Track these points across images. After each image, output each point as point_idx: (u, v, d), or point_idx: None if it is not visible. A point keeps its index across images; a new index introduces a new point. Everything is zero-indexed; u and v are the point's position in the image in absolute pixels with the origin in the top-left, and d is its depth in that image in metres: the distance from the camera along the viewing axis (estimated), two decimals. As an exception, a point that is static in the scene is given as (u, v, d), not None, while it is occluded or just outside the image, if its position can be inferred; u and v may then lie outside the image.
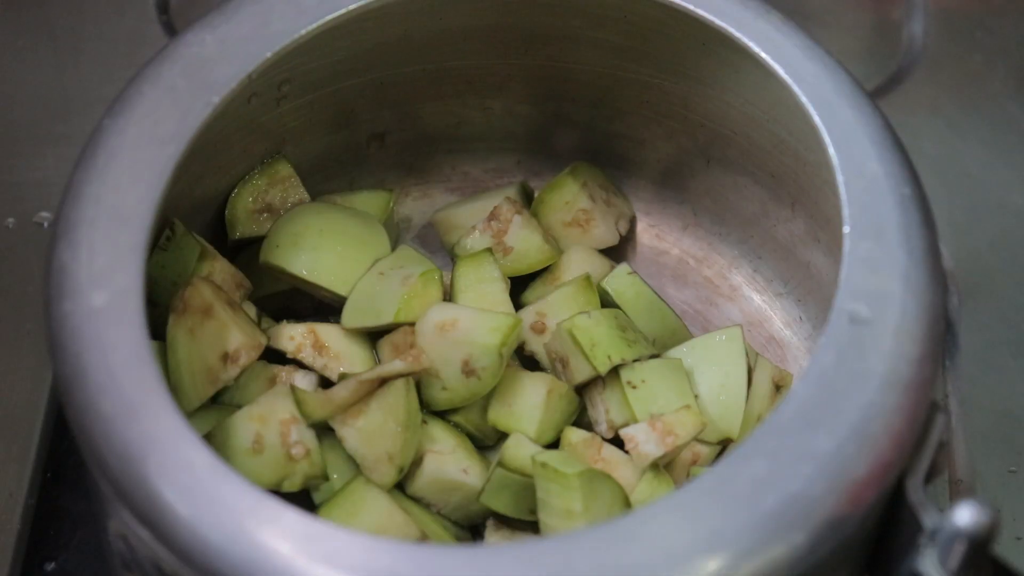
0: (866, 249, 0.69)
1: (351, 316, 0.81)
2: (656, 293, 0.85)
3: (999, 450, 0.86)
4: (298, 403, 0.76)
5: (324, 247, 0.82)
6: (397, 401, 0.76)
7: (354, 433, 0.76)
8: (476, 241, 0.86)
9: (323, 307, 0.85)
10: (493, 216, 0.86)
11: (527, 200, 0.89)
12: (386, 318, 0.81)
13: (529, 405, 0.79)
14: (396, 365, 0.76)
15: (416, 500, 0.78)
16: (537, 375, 0.80)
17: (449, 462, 0.78)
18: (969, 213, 0.95)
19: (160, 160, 0.71)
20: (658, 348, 0.83)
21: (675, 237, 0.91)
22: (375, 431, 0.76)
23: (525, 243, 0.86)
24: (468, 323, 0.78)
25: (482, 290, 0.82)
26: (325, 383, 0.81)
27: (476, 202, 0.89)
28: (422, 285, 0.81)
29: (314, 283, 0.82)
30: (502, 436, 0.80)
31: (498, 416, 0.79)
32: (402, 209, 0.91)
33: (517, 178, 0.92)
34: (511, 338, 0.78)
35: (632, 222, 0.91)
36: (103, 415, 0.64)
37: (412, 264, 0.82)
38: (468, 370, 0.78)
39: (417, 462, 0.77)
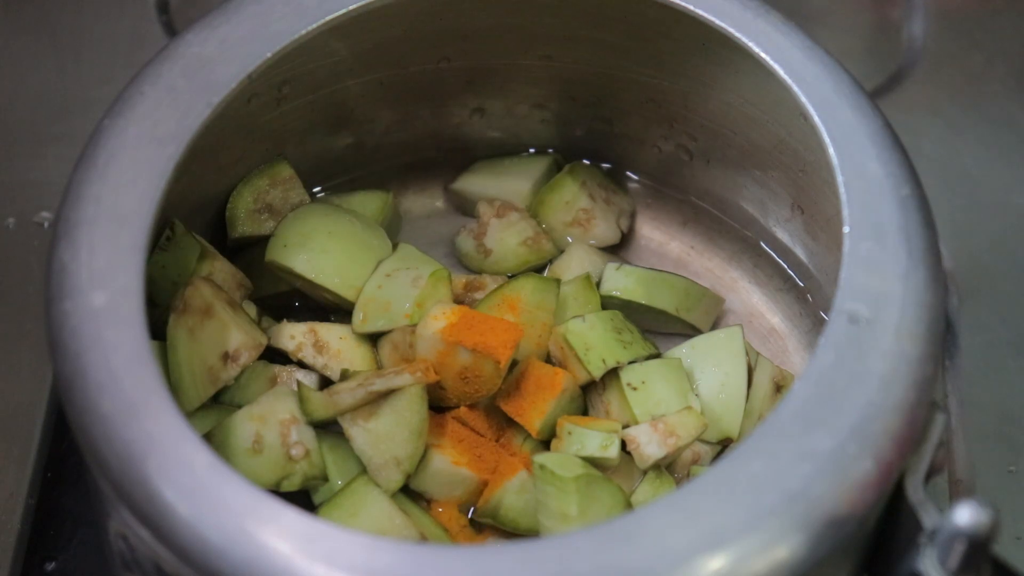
0: (866, 249, 0.69)
1: (363, 320, 0.81)
2: (657, 270, 0.85)
3: (999, 450, 0.86)
4: (302, 400, 0.76)
5: (332, 249, 0.81)
6: (410, 408, 0.76)
7: (363, 433, 0.76)
8: (463, 242, 0.87)
9: (323, 306, 0.85)
10: (476, 217, 0.87)
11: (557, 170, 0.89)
12: (400, 320, 0.80)
13: (540, 399, 0.79)
14: (405, 378, 0.76)
15: (419, 494, 0.78)
16: (557, 371, 0.80)
17: (452, 455, 0.78)
18: (969, 213, 0.95)
19: (160, 160, 0.71)
20: (690, 318, 0.84)
21: (675, 236, 0.90)
22: (385, 435, 0.76)
23: (500, 245, 0.86)
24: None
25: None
26: (325, 383, 0.80)
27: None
28: (432, 286, 0.81)
29: (322, 286, 0.81)
30: (503, 433, 0.80)
31: (508, 401, 0.79)
32: (401, 208, 0.91)
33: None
34: (511, 351, 0.77)
35: (633, 217, 0.90)
36: (103, 415, 0.64)
37: (418, 264, 0.82)
38: (465, 377, 0.78)
39: (421, 456, 0.77)
